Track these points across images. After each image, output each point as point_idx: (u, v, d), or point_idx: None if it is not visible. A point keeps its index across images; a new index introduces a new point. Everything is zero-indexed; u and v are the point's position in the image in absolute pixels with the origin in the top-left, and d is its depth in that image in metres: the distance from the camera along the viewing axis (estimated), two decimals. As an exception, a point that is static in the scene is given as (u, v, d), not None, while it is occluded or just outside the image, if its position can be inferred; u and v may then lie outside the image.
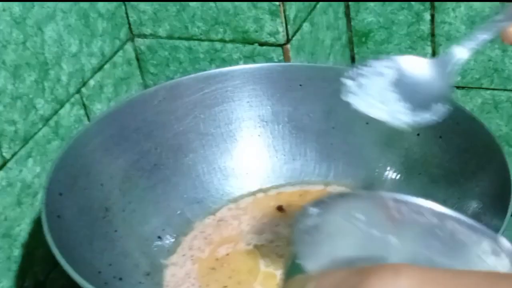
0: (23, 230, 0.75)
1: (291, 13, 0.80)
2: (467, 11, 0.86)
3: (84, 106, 0.81)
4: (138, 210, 0.70)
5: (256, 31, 0.81)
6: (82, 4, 0.79)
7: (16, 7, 0.71)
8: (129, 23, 0.85)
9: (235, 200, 0.75)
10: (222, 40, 0.83)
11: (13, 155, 0.73)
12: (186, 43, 0.84)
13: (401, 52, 0.92)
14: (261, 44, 0.82)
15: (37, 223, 0.76)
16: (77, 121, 0.80)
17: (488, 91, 0.91)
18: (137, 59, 0.87)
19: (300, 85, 0.74)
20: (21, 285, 0.76)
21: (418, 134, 0.71)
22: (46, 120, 0.76)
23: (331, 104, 0.74)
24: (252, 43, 0.82)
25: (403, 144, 0.72)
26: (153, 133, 0.72)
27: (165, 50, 0.86)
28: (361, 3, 0.90)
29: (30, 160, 0.75)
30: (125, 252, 0.67)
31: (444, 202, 0.67)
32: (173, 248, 0.71)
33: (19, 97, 0.73)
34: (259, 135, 0.76)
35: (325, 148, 0.75)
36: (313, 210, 0.44)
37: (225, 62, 0.84)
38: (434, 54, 0.91)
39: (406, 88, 0.51)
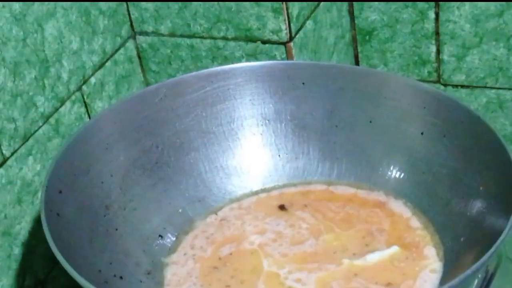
0: (23, 228, 0.75)
1: (294, 11, 0.79)
2: (472, 10, 0.86)
3: (85, 104, 0.80)
4: (139, 208, 0.70)
5: (259, 29, 0.80)
6: (83, 1, 0.78)
7: (16, 3, 0.70)
8: (130, 21, 0.85)
9: (237, 199, 0.74)
10: (224, 38, 0.82)
11: (13, 153, 0.72)
12: (188, 41, 0.84)
13: (405, 50, 0.92)
14: (264, 42, 0.81)
15: (37, 222, 0.75)
16: (78, 119, 0.79)
17: (493, 90, 0.90)
18: (139, 57, 0.87)
19: (303, 83, 0.74)
20: (22, 284, 0.75)
21: (422, 133, 0.70)
22: (46, 118, 0.76)
23: (334, 103, 0.73)
24: (255, 41, 0.81)
25: (407, 143, 0.71)
26: (155, 131, 0.72)
27: (167, 48, 0.85)
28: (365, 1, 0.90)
29: (30, 158, 0.74)
30: (126, 251, 0.67)
31: (448, 202, 0.67)
32: (174, 247, 0.70)
33: (19, 95, 0.72)
34: (261, 134, 0.75)
35: (328, 146, 0.74)
36: None
37: (227, 60, 0.83)
38: (438, 53, 0.90)
39: None
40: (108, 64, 0.83)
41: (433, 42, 0.89)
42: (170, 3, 0.82)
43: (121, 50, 0.85)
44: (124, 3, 0.84)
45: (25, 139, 0.73)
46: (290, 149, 0.75)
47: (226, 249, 0.69)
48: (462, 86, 0.91)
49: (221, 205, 0.73)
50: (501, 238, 0.56)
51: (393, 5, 0.89)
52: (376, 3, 0.89)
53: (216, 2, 0.80)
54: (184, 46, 0.84)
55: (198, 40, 0.83)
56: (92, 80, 0.81)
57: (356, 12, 0.91)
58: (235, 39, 0.82)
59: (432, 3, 0.87)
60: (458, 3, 0.86)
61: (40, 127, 0.75)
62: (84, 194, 0.66)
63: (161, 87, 0.72)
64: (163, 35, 0.85)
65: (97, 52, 0.81)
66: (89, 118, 0.79)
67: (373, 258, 0.66)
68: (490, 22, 0.86)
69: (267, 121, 0.75)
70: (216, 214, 0.73)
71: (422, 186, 0.70)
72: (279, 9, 0.78)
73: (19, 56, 0.71)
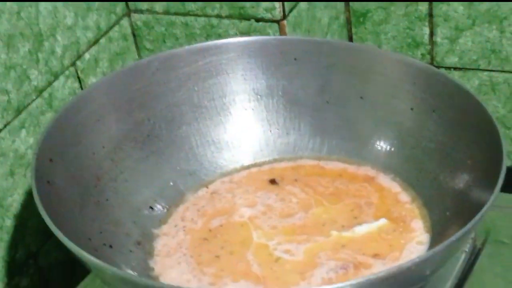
0: (15, 200, 0.75)
1: (288, -11, 0.80)
2: (465, -9, 0.86)
3: (79, 79, 0.81)
4: (130, 180, 0.70)
5: (253, 7, 0.81)
6: (78, -24, 0.79)
7: (10, -25, 0.71)
8: (125, -2, 0.85)
9: (229, 173, 0.75)
10: (218, 16, 0.83)
11: (5, 125, 0.73)
12: (182, 19, 0.84)
13: (399, 32, 0.92)
14: (258, 20, 0.81)
15: (29, 194, 0.76)
16: (72, 94, 0.80)
17: (486, 73, 0.91)
18: (133, 35, 0.87)
19: (295, 59, 0.74)
20: (13, 256, 0.76)
21: (412, 109, 0.71)
22: (39, 92, 0.76)
23: (325, 79, 0.74)
24: (249, 19, 0.82)
25: (397, 119, 0.72)
26: (147, 104, 0.72)
27: (161, 26, 0.86)
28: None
29: (23, 131, 0.75)
30: (116, 221, 0.67)
31: (436, 176, 0.67)
32: (165, 219, 0.71)
33: (12, 67, 0.72)
34: (253, 109, 0.75)
35: (319, 122, 0.75)
36: None
37: (221, 38, 0.83)
38: (432, 35, 0.91)
39: None
40: (102, 40, 0.83)
41: (427, 24, 0.90)
42: (165, -20, 0.82)
43: (116, 28, 0.85)
44: (119, -20, 0.84)
45: (18, 111, 0.74)
46: (281, 124, 0.75)
47: (216, 221, 0.70)
48: (455, 68, 0.92)
49: (212, 179, 0.74)
50: (486, 207, 0.56)
51: (387, -13, 0.89)
52: (370, -15, 0.89)
53: (210, -20, 0.81)
54: (178, 24, 0.85)
55: (192, 18, 0.84)
56: (86, 56, 0.81)
57: (350, -6, 0.91)
58: (229, 17, 0.82)
59: (426, -15, 0.88)
60: (452, -15, 0.86)
61: (33, 100, 0.75)
62: (75, 164, 0.66)
63: (153, 60, 0.72)
64: (157, 13, 0.85)
65: (92, 29, 0.82)
66: (83, 92, 0.80)
67: (361, 230, 0.67)
68: (483, 4, 0.86)
69: (259, 96, 0.75)
70: (207, 188, 0.73)
71: (411, 161, 0.70)
72: (273, -13, 0.79)
73: (13, 29, 0.72)
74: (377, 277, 0.52)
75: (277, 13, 0.80)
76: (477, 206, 0.58)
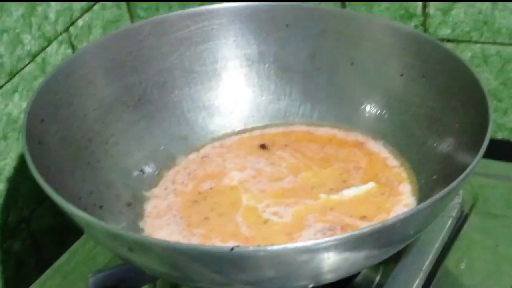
0: (8, 164, 0.76)
1: (280, -43, 0.80)
2: (457, -32, 0.86)
3: (72, 46, 0.81)
4: (121, 143, 0.71)
5: (246, -27, 0.81)
6: None
7: None
8: (119, -35, 0.86)
9: (220, 138, 0.75)
10: (211, -17, 0.83)
11: (-1, 88, 0.73)
12: (176, -14, 0.85)
13: (392, 4, 0.92)
14: (251, -14, 0.81)
15: (22, 158, 0.76)
16: (66, 57, 0.80)
17: (478, 45, 0.91)
18: (127, 3, 0.87)
19: (287, 25, 0.74)
20: (5, 219, 0.76)
21: (401, 74, 0.71)
22: (33, 56, 0.76)
23: (316, 45, 0.74)
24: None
25: (387, 84, 0.72)
26: (138, 68, 0.73)
27: (154, -6, 0.86)
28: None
29: (16, 95, 0.75)
30: (107, 183, 0.68)
31: (424, 140, 0.68)
32: (155, 181, 0.71)
33: (5, 31, 0.73)
34: (244, 75, 0.76)
35: (310, 88, 0.75)
36: None
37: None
38: (424, 6, 0.91)
39: None
40: (96, 7, 0.84)
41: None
42: None
43: (110, -5, 0.85)
44: None
45: (11, 75, 0.74)
46: (272, 90, 0.76)
47: (206, 184, 0.71)
48: (448, 40, 0.92)
49: (203, 143, 0.75)
50: (470, 168, 0.57)
51: (381, -42, 0.89)
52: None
53: None
54: (171, -8, 0.85)
55: (185, -15, 0.84)
56: (80, 22, 0.82)
57: (344, -35, 0.91)
58: (222, -16, 0.82)
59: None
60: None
61: (26, 65, 0.76)
62: (67, 125, 0.67)
63: (145, 24, 0.73)
64: (151, -20, 0.85)
65: (85, -5, 0.82)
66: (76, 59, 0.80)
67: (349, 193, 0.68)
68: (476, -25, 0.86)
69: (250, 62, 0.76)
70: (198, 152, 0.74)
71: (401, 126, 0.71)
72: (266, -46, 0.79)
73: (6, -7, 0.72)
74: (362, 232, 0.53)
75: (270, -21, 0.80)
76: (463, 170, 0.59)
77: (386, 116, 0.72)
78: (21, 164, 0.77)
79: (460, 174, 0.58)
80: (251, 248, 0.54)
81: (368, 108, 0.73)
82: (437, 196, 0.55)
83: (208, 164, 0.73)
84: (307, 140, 0.74)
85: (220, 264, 0.53)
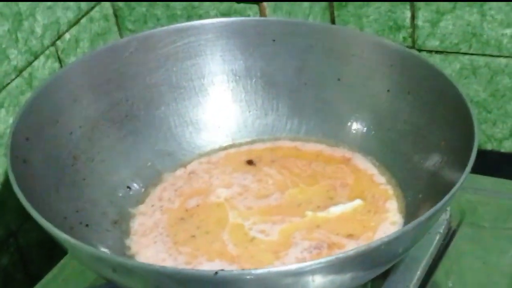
0: (-6, 180, 0.75)
1: (268, -30, 0.80)
2: (446, -26, 0.86)
3: (59, 59, 0.81)
4: (107, 160, 0.70)
5: (233, -12, 0.81)
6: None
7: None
8: (106, -22, 0.85)
9: (207, 153, 0.75)
10: (199, -3, 0.83)
11: (-15, 104, 0.73)
12: (163, -1, 0.85)
13: (381, 15, 0.92)
14: (238, 1, 0.81)
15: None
16: (52, 74, 0.80)
17: (467, 56, 0.91)
18: (115, 15, 0.87)
19: (274, 40, 0.74)
20: (-8, 234, 0.76)
21: (388, 90, 0.71)
22: (19, 71, 0.76)
23: (303, 60, 0.74)
24: (229, 0, 0.82)
25: (373, 101, 0.72)
26: (125, 84, 0.72)
27: (142, 7, 0.86)
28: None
29: (3, 111, 0.75)
30: (93, 200, 0.68)
31: (411, 157, 0.68)
32: (142, 198, 0.71)
33: (-9, 46, 0.73)
34: (231, 90, 0.76)
35: (297, 104, 0.75)
36: None
37: (202, 19, 0.83)
38: (413, 18, 0.91)
39: None
40: (83, 21, 0.83)
41: (408, 7, 0.90)
42: (145, -39, 0.82)
43: (97, 8, 0.85)
44: (100, -39, 0.84)
45: (-2, 91, 0.74)
46: (259, 105, 0.76)
47: (193, 201, 0.70)
48: (436, 52, 0.92)
49: (190, 159, 0.74)
50: (455, 187, 0.57)
51: (369, -30, 0.90)
52: (353, -33, 0.90)
53: (191, -39, 0.81)
54: (159, 4, 0.85)
55: (173, -1, 0.84)
56: (67, 36, 0.82)
57: (332, -24, 0.91)
58: (209, -2, 0.82)
59: (408, -32, 0.88)
60: (433, -32, 0.86)
61: (13, 80, 0.76)
62: (52, 144, 0.67)
63: (131, 40, 0.72)
64: (138, -7, 0.85)
65: (72, 8, 0.82)
66: (63, 73, 0.80)
67: (336, 210, 0.67)
68: (464, -13, 0.87)
69: (237, 77, 0.76)
70: (185, 168, 0.74)
71: (387, 142, 0.71)
72: (253, -32, 0.79)
73: (-9, 8, 0.72)
74: (347, 255, 0.53)
75: (258, -6, 0.80)
76: (450, 187, 0.59)
77: (372, 132, 0.72)
78: (8, 179, 0.76)
79: (447, 191, 0.58)
80: (235, 272, 0.53)
81: (355, 123, 0.73)
82: (422, 217, 0.55)
83: (195, 180, 0.72)
84: (294, 156, 0.74)
85: (205, 287, 0.53)
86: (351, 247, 0.64)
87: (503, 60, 0.89)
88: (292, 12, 0.86)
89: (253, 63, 0.75)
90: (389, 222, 0.66)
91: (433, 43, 0.92)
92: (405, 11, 0.91)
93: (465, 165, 0.58)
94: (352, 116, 0.73)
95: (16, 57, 0.75)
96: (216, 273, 0.51)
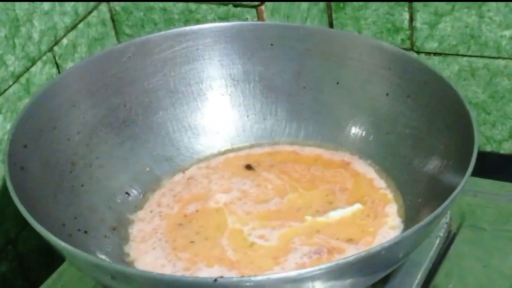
0: (-8, 186, 0.75)
1: (266, -26, 0.80)
2: (444, -24, 0.86)
3: (57, 65, 0.81)
4: (105, 166, 0.70)
5: (231, -8, 0.81)
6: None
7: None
8: (103, -17, 0.85)
9: (205, 158, 0.75)
10: (196, 1, 0.83)
11: (-18, 111, 0.73)
12: (161, 4, 0.84)
13: (379, 18, 0.92)
14: (236, 5, 0.81)
15: (7, 180, 0.76)
16: (49, 80, 0.79)
17: (465, 58, 0.91)
18: (112, 20, 0.87)
19: (272, 44, 0.74)
20: (-9, 242, 0.76)
21: (387, 94, 0.71)
22: (17, 77, 0.76)
23: (302, 64, 0.74)
24: (227, 4, 0.81)
25: (372, 104, 0.72)
26: (122, 90, 0.72)
27: (140, 11, 0.85)
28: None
29: (0, 117, 0.75)
30: (91, 207, 0.67)
31: (410, 161, 0.68)
32: (140, 204, 0.71)
33: (-12, 53, 0.72)
34: (230, 94, 0.75)
35: (295, 108, 0.75)
36: None
37: (199, 23, 0.83)
38: (411, 20, 0.91)
39: None
40: (80, 26, 0.83)
41: (406, 9, 0.90)
42: (143, -34, 0.82)
43: (94, 13, 0.85)
44: (97, -35, 0.84)
45: (-5, 97, 0.74)
46: (258, 110, 0.75)
47: (192, 207, 0.70)
48: (435, 54, 0.92)
49: (189, 164, 0.74)
50: (456, 192, 0.57)
51: (367, -28, 0.89)
52: (350, -30, 0.89)
53: (188, -35, 0.80)
54: (157, 9, 0.85)
55: (170, 3, 0.84)
56: (64, 41, 0.81)
57: (330, -21, 0.91)
58: (207, 1, 0.82)
59: (406, -30, 0.87)
60: (431, -30, 0.86)
61: (10, 86, 0.75)
62: (50, 150, 0.66)
63: (129, 45, 0.72)
64: (136, -2, 0.85)
65: (69, 14, 0.81)
66: (60, 78, 0.79)
67: (335, 215, 0.67)
68: (462, -11, 0.86)
69: (235, 82, 0.75)
70: (184, 173, 0.73)
71: (386, 146, 0.71)
72: (251, -28, 0.79)
73: (-12, 14, 0.72)
74: (347, 261, 0.53)
75: (255, -2, 0.80)
76: (450, 191, 0.58)
77: (372, 135, 0.72)
78: (6, 185, 0.76)
79: (447, 195, 0.58)
80: (235, 279, 0.53)
81: (354, 127, 0.73)
82: (422, 222, 0.55)
83: (193, 185, 0.72)
84: (293, 161, 0.73)
85: (204, 294, 0.53)
86: (351, 251, 0.64)
87: (502, 62, 0.89)
88: (290, 15, 0.86)
89: (251, 68, 0.75)
90: (389, 226, 0.66)
91: (432, 45, 0.91)
92: (403, 13, 0.91)
93: (465, 169, 0.58)
94: (351, 120, 0.73)
95: (13, 63, 0.75)
96: (215, 280, 0.51)
